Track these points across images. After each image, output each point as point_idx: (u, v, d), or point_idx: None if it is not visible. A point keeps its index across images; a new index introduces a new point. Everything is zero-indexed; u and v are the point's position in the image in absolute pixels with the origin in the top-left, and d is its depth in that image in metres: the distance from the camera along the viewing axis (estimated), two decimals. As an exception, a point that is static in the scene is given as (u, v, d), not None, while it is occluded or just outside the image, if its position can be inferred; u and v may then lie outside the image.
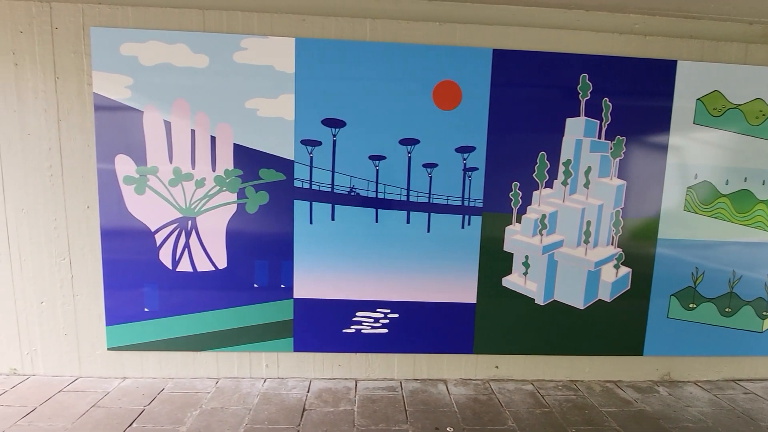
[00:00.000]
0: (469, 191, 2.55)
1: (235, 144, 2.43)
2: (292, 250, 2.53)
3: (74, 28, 2.33)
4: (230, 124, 2.41)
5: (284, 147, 2.45)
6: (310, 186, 2.48)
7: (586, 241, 2.65)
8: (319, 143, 2.45)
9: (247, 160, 2.44)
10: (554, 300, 2.70)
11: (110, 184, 2.41)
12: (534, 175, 2.57)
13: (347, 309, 2.61)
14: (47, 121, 2.38)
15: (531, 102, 2.51)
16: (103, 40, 2.33)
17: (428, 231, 2.56)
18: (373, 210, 2.53)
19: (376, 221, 2.54)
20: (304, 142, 2.45)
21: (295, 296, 2.57)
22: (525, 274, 2.65)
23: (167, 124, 2.39)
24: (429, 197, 2.54)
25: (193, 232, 2.48)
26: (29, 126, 2.38)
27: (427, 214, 2.55)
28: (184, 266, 2.50)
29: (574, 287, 2.69)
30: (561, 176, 2.59)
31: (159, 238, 2.47)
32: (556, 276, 2.67)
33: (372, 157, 2.48)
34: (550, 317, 2.70)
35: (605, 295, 2.71)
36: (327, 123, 2.44)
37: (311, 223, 2.51)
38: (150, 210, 2.44)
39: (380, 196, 2.51)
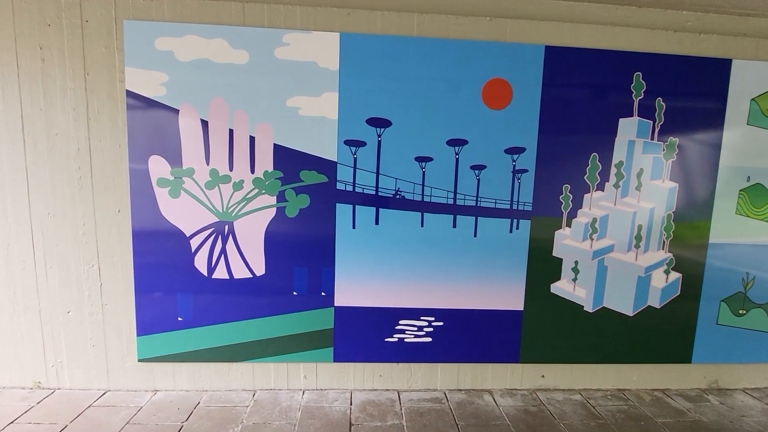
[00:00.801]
0: (518, 194, 2.44)
1: (275, 144, 2.30)
2: (333, 255, 2.41)
3: (106, 21, 2.19)
4: (270, 124, 2.29)
5: (327, 148, 2.32)
6: (354, 188, 2.36)
7: (637, 246, 2.55)
8: (364, 144, 2.34)
9: (288, 161, 2.32)
10: (603, 307, 2.60)
11: (143, 186, 2.28)
12: (585, 177, 2.47)
13: (390, 317, 2.49)
14: (76, 120, 2.24)
15: (583, 101, 2.41)
16: (136, 34, 2.19)
17: (475, 235, 2.45)
18: (419, 214, 2.41)
19: (422, 225, 2.42)
20: (348, 143, 2.33)
21: (336, 304, 2.45)
22: (574, 280, 2.55)
23: (204, 124, 2.26)
24: (476, 200, 2.43)
25: (230, 238, 2.35)
26: (57, 125, 2.24)
27: (474, 217, 2.44)
28: (220, 273, 2.38)
29: (624, 293, 2.60)
30: (613, 178, 2.49)
31: (194, 243, 2.34)
32: (605, 282, 2.58)
33: (418, 159, 2.37)
34: (599, 324, 2.61)
35: (655, 301, 2.62)
36: (372, 123, 2.32)
37: (354, 227, 2.39)
38: (185, 214, 2.31)
39: (426, 199, 2.40)
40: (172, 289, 2.37)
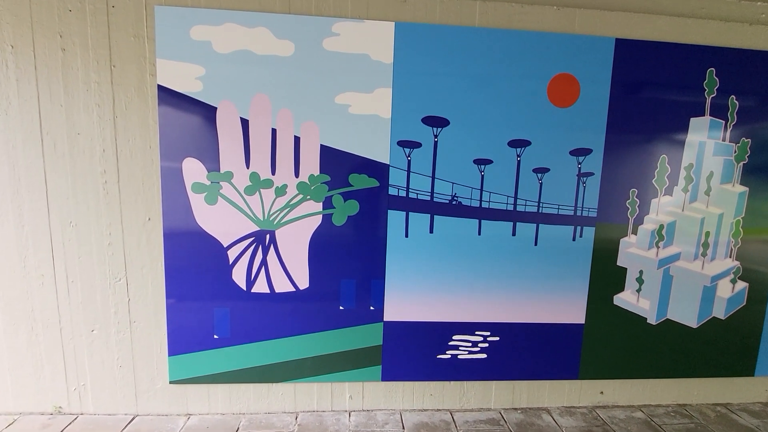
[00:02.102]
0: (582, 199, 2.26)
1: (322, 146, 2.09)
2: (384, 267, 2.21)
3: (135, 6, 1.96)
4: (317, 123, 2.07)
5: (379, 149, 2.12)
6: (407, 194, 2.16)
7: (704, 254, 2.39)
8: (419, 145, 2.13)
9: (336, 164, 2.11)
10: (667, 319, 2.43)
11: (176, 192, 2.05)
12: (654, 180, 2.30)
13: (443, 332, 2.30)
14: (101, 118, 2.01)
15: (653, 99, 2.23)
16: (169, 21, 1.96)
17: (536, 244, 2.27)
18: (476, 221, 2.22)
19: (479, 233, 2.23)
20: (402, 144, 2.12)
21: (385, 319, 2.25)
22: (638, 290, 2.38)
23: (245, 123, 2.04)
24: (538, 206, 2.24)
25: (272, 248, 2.14)
26: (79, 124, 2.00)
27: (535, 225, 2.25)
28: (260, 287, 2.16)
29: (689, 304, 2.43)
30: (682, 182, 2.32)
31: (232, 254, 2.12)
32: (670, 293, 2.41)
33: (477, 161, 2.17)
34: (661, 337, 2.44)
35: (720, 312, 2.46)
36: (428, 122, 2.12)
37: (407, 236, 2.19)
38: (223, 222, 2.09)
39: (484, 205, 2.21)
40: (207, 304, 2.15)
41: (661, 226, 2.34)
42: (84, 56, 1.97)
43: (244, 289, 2.16)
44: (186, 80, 1.99)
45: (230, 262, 2.13)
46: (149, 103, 2.01)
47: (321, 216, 2.14)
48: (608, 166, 2.25)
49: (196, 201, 2.07)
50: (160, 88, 1.99)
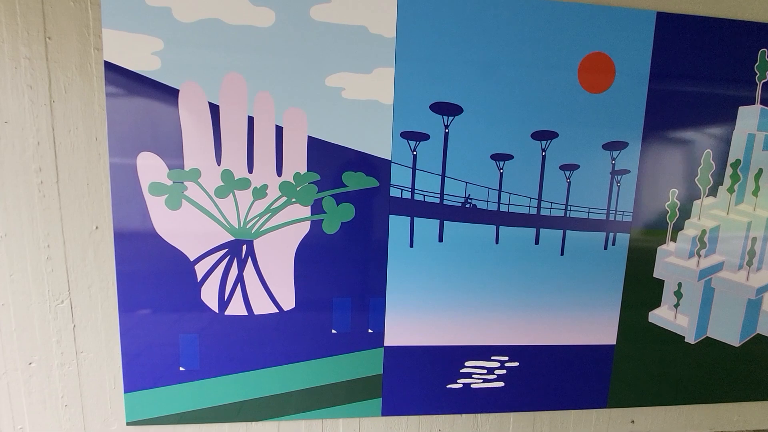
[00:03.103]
0: (616, 201, 1.93)
1: (309, 137, 1.72)
2: (384, 282, 1.85)
3: (74, -37, 1.57)
4: (304, 110, 1.70)
5: (378, 142, 1.76)
6: (412, 195, 1.81)
7: (749, 263, 2.08)
8: (426, 137, 1.78)
9: (327, 159, 1.74)
10: (707, 337, 2.13)
11: (129, 194, 1.67)
12: (696, 179, 1.98)
13: (454, 358, 1.96)
14: (34, 103, 1.61)
15: (698, 84, 1.91)
16: (118, -18, 1.57)
17: (562, 254, 1.94)
18: (494, 227, 1.88)
19: (497, 242, 1.89)
20: (406, 136, 1.77)
21: (386, 344, 1.90)
22: (676, 306, 2.07)
23: (214, 109, 1.66)
24: (565, 209, 1.90)
25: (249, 261, 1.77)
26: (6, 110, 1.61)
27: (561, 231, 1.92)
28: (236, 308, 1.79)
29: (731, 320, 2.13)
30: (727, 181, 2.00)
31: (201, 270, 1.75)
32: (711, 307, 2.10)
33: (495, 157, 1.83)
34: (700, 358, 2.14)
35: (765, 328, 2.17)
36: (438, 109, 1.77)
37: (412, 246, 1.84)
38: (188, 231, 1.71)
39: (503, 208, 1.87)
40: (171, 330, 1.77)
41: (704, 232, 2.02)
42: (11, 26, 1.57)
43: (216, 311, 1.79)
44: (140, 56, 1.60)
45: (199, 279, 1.76)
46: (94, 85, 1.63)
47: (309, 223, 1.78)
48: (646, 163, 1.92)
49: (155, 205, 1.69)
50: (108, 65, 1.60)
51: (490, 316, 1.94)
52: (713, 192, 2.00)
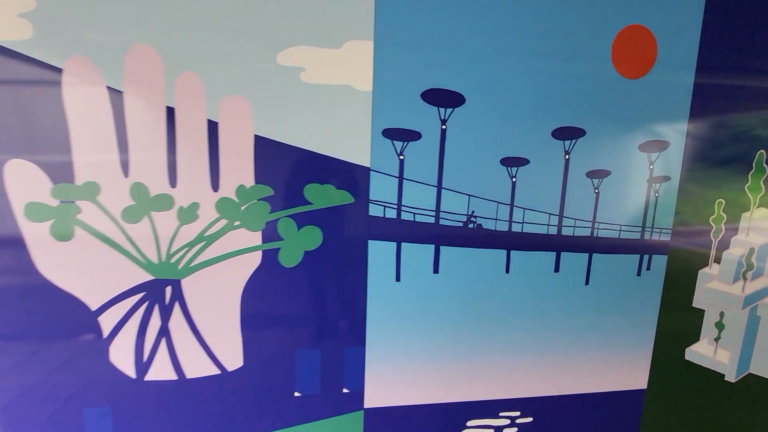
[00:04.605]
0: (653, 215, 1.54)
1: (257, 137, 1.24)
2: (363, 327, 1.41)
3: None
4: (248, 99, 1.22)
5: (353, 143, 1.30)
6: (398, 214, 1.36)
7: (799, 285, 1.74)
8: (417, 136, 1.33)
9: (283, 168, 1.27)
10: (749, 373, 1.78)
11: (-6, 220, 1.15)
12: (746, 187, 1.61)
13: (454, 418, 1.55)
14: None
15: (750, 69, 1.52)
16: None
17: (587, 283, 1.54)
18: (503, 252, 1.45)
19: (507, 271, 1.47)
20: (390, 134, 1.31)
21: (366, 406, 1.46)
22: (716, 339, 1.71)
23: (116, 98, 1.15)
24: (592, 228, 1.50)
25: (177, 308, 1.29)
26: None
27: (587, 255, 1.51)
28: (161, 372, 1.31)
29: (776, 352, 1.79)
30: (780, 188, 1.64)
31: (107, 322, 1.26)
32: (756, 339, 1.75)
33: (506, 162, 1.39)
34: (740, 399, 1.80)
35: (811, 359, 1.84)
36: (432, 98, 1.31)
37: (398, 279, 1.40)
38: (86, 270, 1.21)
39: (516, 228, 1.44)
40: (71, 404, 1.28)
41: (752, 251, 1.66)
42: None
43: (133, 376, 1.30)
44: (2, 20, 1.08)
45: (105, 335, 1.26)
46: (-72, 60, 1.09)
47: (260, 253, 1.30)
48: (690, 167, 1.53)
49: (35, 235, 1.18)
50: (-53, 31, 1.07)
51: (497, 364, 1.53)
52: (765, 202, 1.63)
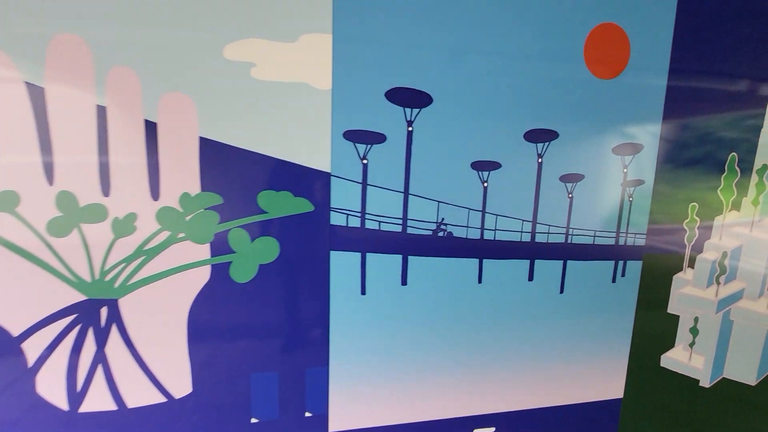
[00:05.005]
0: (627, 220, 1.49)
1: (203, 140, 1.12)
2: (326, 346, 1.30)
3: None
4: (191, 97, 1.09)
5: (311, 146, 1.19)
6: (362, 223, 1.26)
7: (771, 289, 1.73)
8: (381, 138, 1.23)
9: (233, 173, 1.15)
10: (723, 378, 1.77)
11: None
12: (719, 190, 1.58)
13: (424, 438, 1.45)
14: None
15: (723, 67, 1.49)
16: None
17: (561, 291, 1.47)
18: (476, 261, 1.37)
19: (479, 281, 1.39)
20: (352, 137, 1.21)
21: (331, 430, 1.36)
22: (691, 345, 1.68)
23: (36, 94, 1.01)
24: (566, 234, 1.43)
25: (114, 330, 1.15)
26: None
27: (561, 262, 1.45)
28: (98, 402, 1.17)
29: (748, 356, 1.78)
30: (752, 192, 1.62)
31: (33, 350, 1.11)
32: (729, 343, 1.73)
33: (477, 165, 1.31)
34: (714, 404, 1.78)
35: (782, 361, 1.83)
36: (397, 98, 1.22)
37: (363, 293, 1.30)
38: (5, 291, 1.06)
39: (488, 235, 1.36)
40: (-13, 445, 1.12)
41: (724, 254, 1.63)
42: None
43: (65, 408, 1.16)
44: None
45: (30, 364, 1.11)
46: None
47: (209, 268, 1.18)
48: (664, 170, 1.49)
49: (-60, 253, 1.02)
50: None
51: (470, 379, 1.45)
52: (738, 205, 1.61)
